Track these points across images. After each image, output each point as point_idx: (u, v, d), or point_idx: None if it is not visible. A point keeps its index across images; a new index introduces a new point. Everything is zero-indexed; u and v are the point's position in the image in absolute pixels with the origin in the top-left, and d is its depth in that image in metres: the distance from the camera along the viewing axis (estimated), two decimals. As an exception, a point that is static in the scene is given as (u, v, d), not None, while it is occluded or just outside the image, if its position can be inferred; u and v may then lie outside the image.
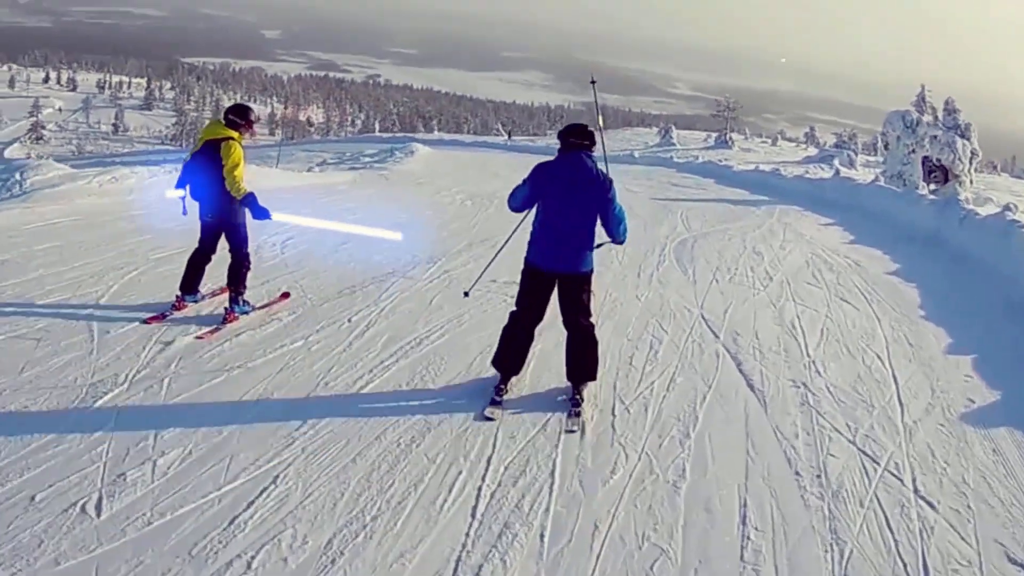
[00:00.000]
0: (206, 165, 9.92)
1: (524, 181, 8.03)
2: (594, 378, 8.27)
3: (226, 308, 10.20)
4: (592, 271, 8.17)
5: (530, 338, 8.32)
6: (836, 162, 59.57)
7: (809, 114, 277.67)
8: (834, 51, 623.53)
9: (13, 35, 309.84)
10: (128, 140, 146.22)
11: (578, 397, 8.01)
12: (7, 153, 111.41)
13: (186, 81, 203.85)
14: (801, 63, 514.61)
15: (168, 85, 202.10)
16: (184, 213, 10.63)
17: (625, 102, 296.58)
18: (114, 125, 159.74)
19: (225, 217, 10.16)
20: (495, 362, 8.34)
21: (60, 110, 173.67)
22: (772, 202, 27.21)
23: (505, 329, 8.30)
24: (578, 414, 7.75)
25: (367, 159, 40.82)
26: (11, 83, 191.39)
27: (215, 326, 9.74)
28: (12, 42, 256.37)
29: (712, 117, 72.07)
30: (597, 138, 8.22)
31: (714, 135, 72.62)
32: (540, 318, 8.28)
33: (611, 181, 7.95)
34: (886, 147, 44.00)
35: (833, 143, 77.98)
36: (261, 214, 9.95)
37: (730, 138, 68.91)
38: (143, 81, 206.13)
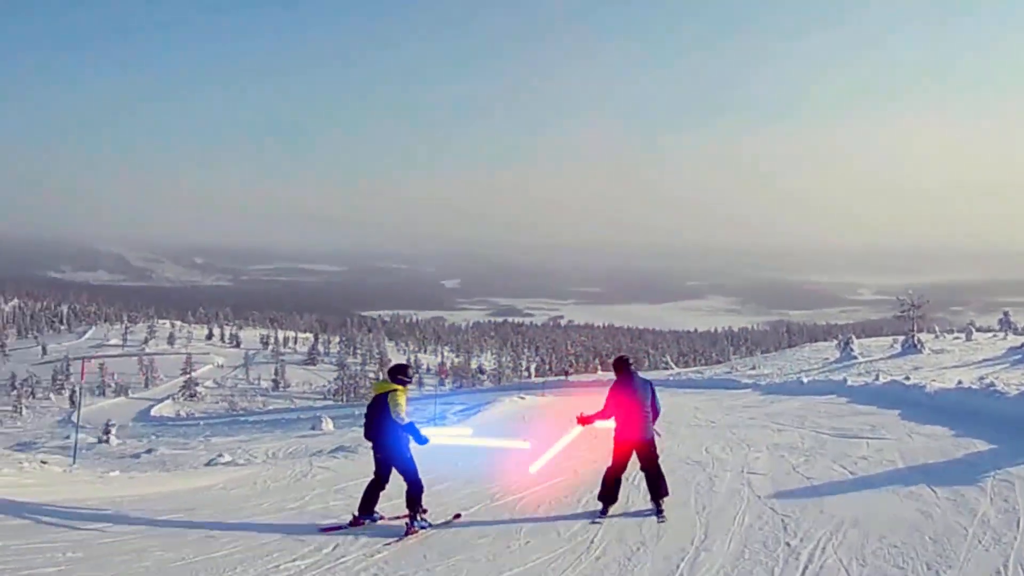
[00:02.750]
0: (378, 413, 12.53)
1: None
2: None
3: (407, 524, 12.30)
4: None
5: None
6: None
7: (999, 299, 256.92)
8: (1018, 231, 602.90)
9: (188, 294, 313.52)
10: (288, 396, 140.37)
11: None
12: (155, 411, 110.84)
13: (351, 334, 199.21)
14: (982, 249, 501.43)
15: (337, 339, 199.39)
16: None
17: (810, 316, 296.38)
18: (274, 381, 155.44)
19: (392, 453, 12.54)
20: (601, 497, 12.78)
21: (221, 366, 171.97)
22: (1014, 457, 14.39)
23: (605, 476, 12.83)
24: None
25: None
26: (170, 340, 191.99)
27: (397, 538, 11.94)
28: (184, 301, 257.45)
29: (896, 319, 57.03)
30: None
31: (900, 339, 57.24)
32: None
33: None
34: None
35: (1033, 326, 64.34)
36: (421, 440, 12.56)
37: (918, 340, 52.86)
38: (309, 336, 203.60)
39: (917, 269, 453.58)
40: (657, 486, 12.45)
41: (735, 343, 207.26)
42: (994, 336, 65.29)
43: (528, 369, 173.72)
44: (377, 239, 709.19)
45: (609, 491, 12.57)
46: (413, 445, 12.43)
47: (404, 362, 14.37)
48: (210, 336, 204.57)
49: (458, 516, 12.99)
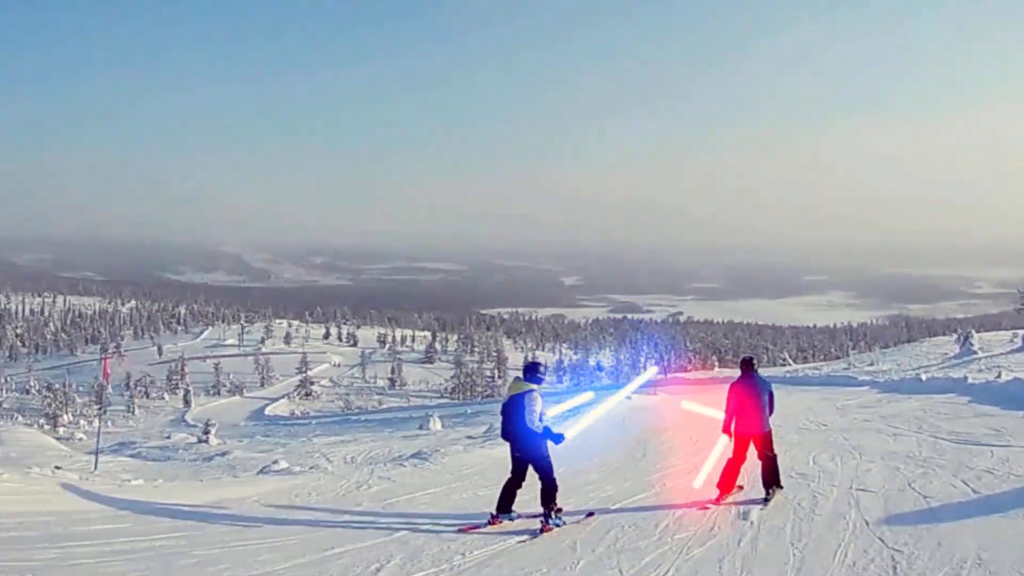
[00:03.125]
0: (514, 413, 12.30)
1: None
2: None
3: (542, 522, 12.30)
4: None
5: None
6: None
7: None
8: None
9: (306, 294, 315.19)
10: (404, 394, 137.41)
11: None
12: (269, 410, 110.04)
13: (468, 332, 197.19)
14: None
15: (455, 338, 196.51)
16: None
17: (929, 310, 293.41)
18: (391, 379, 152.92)
19: (531, 452, 12.41)
20: (719, 485, 13.58)
21: (337, 365, 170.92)
22: None
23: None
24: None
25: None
26: (287, 339, 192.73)
27: (532, 534, 12.01)
28: (302, 301, 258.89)
29: (1017, 312, 51.25)
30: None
31: (1021, 333, 52.23)
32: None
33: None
34: None
35: None
36: (557, 439, 12.41)
37: None
38: (427, 335, 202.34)
39: None
40: (770, 475, 13.42)
41: (854, 338, 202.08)
42: None
43: (645, 365, 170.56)
44: (497, 237, 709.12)
45: (726, 480, 13.49)
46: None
47: (537, 360, 14.75)
48: (327, 335, 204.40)
49: (591, 515, 13.09)
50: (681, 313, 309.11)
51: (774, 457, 13.46)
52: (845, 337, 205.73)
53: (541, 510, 12.32)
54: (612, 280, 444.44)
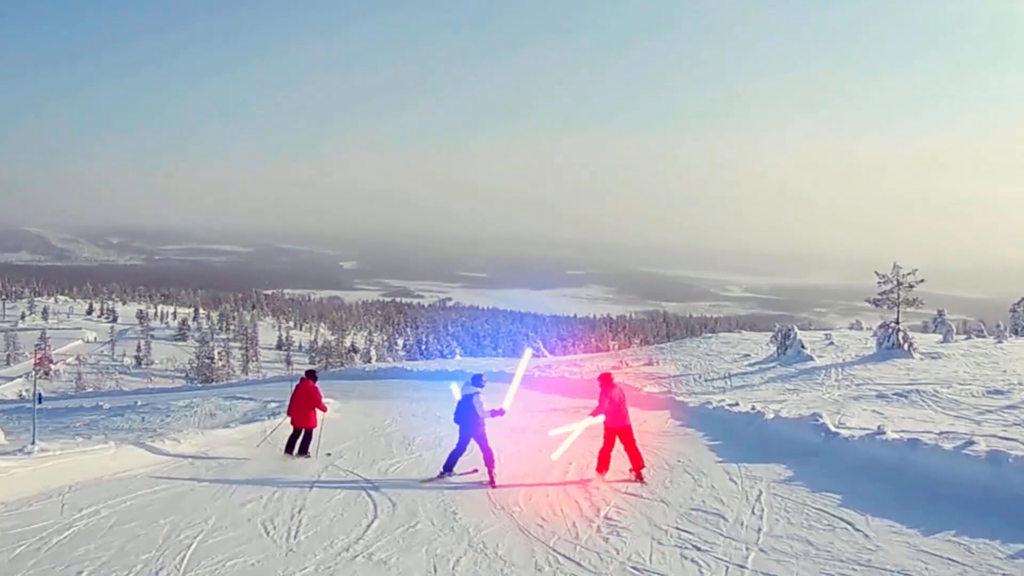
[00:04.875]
0: (464, 407, 16.64)
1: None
2: None
3: (490, 477, 16.36)
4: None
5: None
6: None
7: (854, 303, 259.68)
8: (866, 241, 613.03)
9: (101, 273, 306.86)
10: (148, 373, 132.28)
11: None
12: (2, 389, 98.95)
13: (226, 310, 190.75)
14: (840, 257, 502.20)
15: (217, 315, 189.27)
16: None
17: (684, 308, 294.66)
18: (136, 357, 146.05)
19: (475, 432, 16.64)
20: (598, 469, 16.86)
21: (92, 341, 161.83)
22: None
23: None
24: None
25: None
26: (44, 314, 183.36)
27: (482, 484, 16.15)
28: (100, 279, 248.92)
29: (874, 303, 41.67)
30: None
31: (877, 334, 40.58)
32: None
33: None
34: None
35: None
36: (501, 413, 17.21)
37: (904, 338, 37.35)
38: (190, 311, 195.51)
39: (782, 271, 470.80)
40: (636, 459, 16.50)
41: (613, 329, 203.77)
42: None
43: (407, 347, 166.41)
44: (283, 222, 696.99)
45: (604, 463, 16.57)
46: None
47: (480, 373, 17.99)
48: (90, 311, 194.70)
49: (475, 471, 16.72)
50: (450, 298, 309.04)
51: (636, 445, 16.65)
52: (605, 327, 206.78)
53: (485, 469, 16.16)
54: (387, 266, 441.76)
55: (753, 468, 16.65)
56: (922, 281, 42.19)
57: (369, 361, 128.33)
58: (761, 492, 14.60)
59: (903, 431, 17.95)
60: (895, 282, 41.92)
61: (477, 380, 16.93)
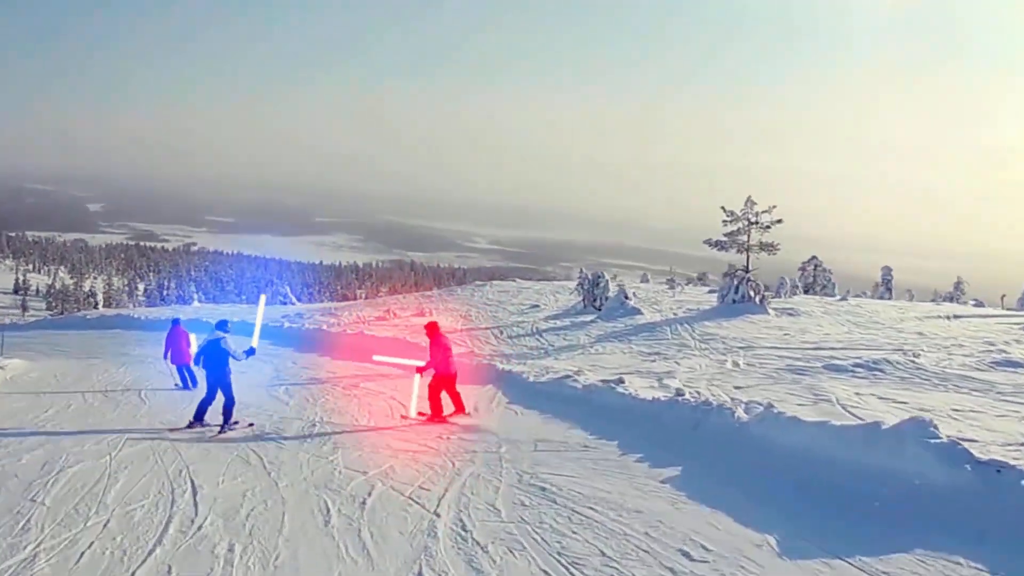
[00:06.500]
0: (211, 353, 16.24)
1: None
2: None
3: (220, 428, 15.77)
4: None
5: None
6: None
7: (603, 259, 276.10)
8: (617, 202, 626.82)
9: None
10: None
11: None
12: None
13: None
14: (594, 217, 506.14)
15: None
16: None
17: (431, 258, 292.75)
18: None
19: (220, 380, 16.27)
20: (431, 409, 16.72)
21: None
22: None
23: None
24: None
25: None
26: None
27: (217, 432, 15.57)
28: None
29: (716, 245, 34.98)
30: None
31: (722, 285, 33.20)
32: None
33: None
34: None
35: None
36: (252, 352, 16.77)
37: (756, 289, 30.67)
38: None
39: (529, 225, 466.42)
40: (459, 403, 16.88)
41: (360, 277, 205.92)
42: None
43: (147, 293, 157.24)
44: (30, 161, 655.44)
45: (439, 406, 16.68)
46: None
47: (225, 318, 17.51)
48: None
49: (251, 424, 16.27)
50: (195, 243, 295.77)
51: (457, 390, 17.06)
52: (352, 275, 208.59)
53: (221, 420, 15.91)
54: (135, 208, 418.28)
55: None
56: (779, 221, 36.07)
57: (97, 307, 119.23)
58: None
59: None
60: (746, 221, 35.54)
61: (222, 325, 16.67)
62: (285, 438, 15.03)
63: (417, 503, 10.83)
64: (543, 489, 11.37)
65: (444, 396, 16.73)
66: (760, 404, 14.36)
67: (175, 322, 23.37)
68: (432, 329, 17.17)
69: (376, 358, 21.08)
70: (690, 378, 19.88)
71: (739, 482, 11.41)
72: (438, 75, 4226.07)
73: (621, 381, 18.16)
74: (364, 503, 10.84)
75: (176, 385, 22.11)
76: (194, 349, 20.67)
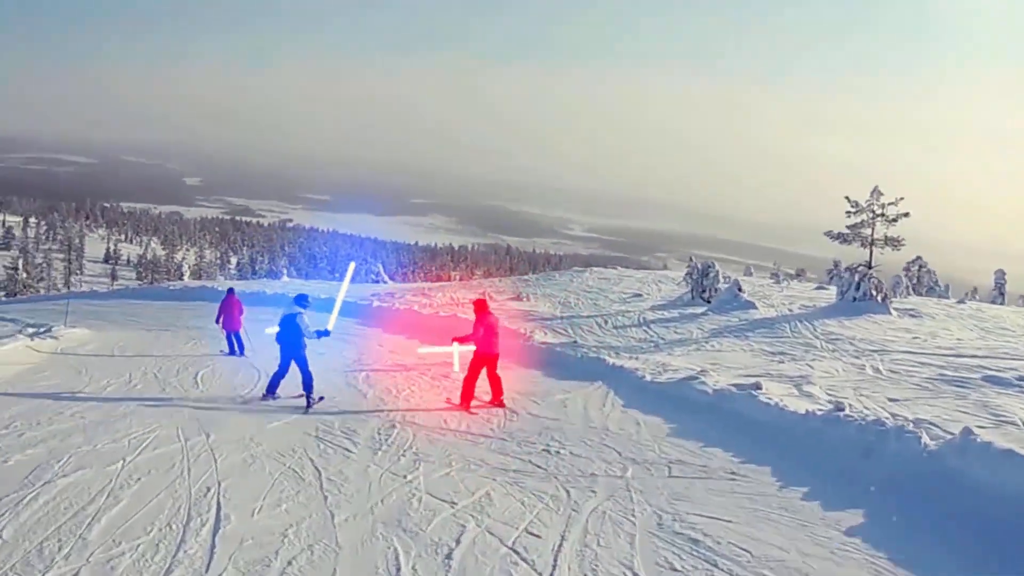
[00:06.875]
0: (287, 328, 15.84)
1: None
2: None
3: (307, 401, 15.34)
4: None
5: None
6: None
7: (693, 250, 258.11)
8: (717, 195, 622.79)
9: None
10: None
11: None
12: None
13: (54, 220, 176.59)
14: (688, 207, 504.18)
15: (45, 225, 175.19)
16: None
17: (527, 243, 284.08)
18: None
19: (296, 354, 15.87)
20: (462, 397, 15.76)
21: None
22: None
23: None
24: None
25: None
26: None
27: (303, 411, 14.89)
28: None
29: (839, 238, 31.12)
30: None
31: (842, 279, 29.78)
32: None
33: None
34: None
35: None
36: (326, 334, 16.39)
37: (877, 287, 27.15)
38: (19, 220, 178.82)
39: (626, 214, 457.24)
40: (498, 387, 15.92)
41: (455, 259, 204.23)
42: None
43: (239, 266, 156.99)
44: (129, 134, 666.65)
45: (469, 394, 15.57)
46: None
47: (304, 293, 17.00)
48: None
49: (322, 399, 15.72)
50: (291, 220, 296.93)
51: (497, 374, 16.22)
52: (447, 257, 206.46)
53: (303, 393, 15.38)
54: (232, 184, 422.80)
55: None
56: (907, 215, 32.31)
57: (188, 278, 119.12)
58: None
59: None
60: (872, 213, 31.76)
61: (301, 300, 16.09)
62: (355, 443, 12.35)
63: (524, 560, 7.91)
64: (694, 541, 8.47)
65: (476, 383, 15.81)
66: (935, 425, 11.78)
67: (230, 291, 24.22)
68: (480, 305, 16.51)
69: (420, 350, 19.62)
70: (831, 385, 16.69)
71: (948, 538, 8.55)
72: (535, 55, 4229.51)
73: (759, 387, 15.08)
74: (450, 556, 7.96)
75: (222, 351, 22.73)
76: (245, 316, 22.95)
